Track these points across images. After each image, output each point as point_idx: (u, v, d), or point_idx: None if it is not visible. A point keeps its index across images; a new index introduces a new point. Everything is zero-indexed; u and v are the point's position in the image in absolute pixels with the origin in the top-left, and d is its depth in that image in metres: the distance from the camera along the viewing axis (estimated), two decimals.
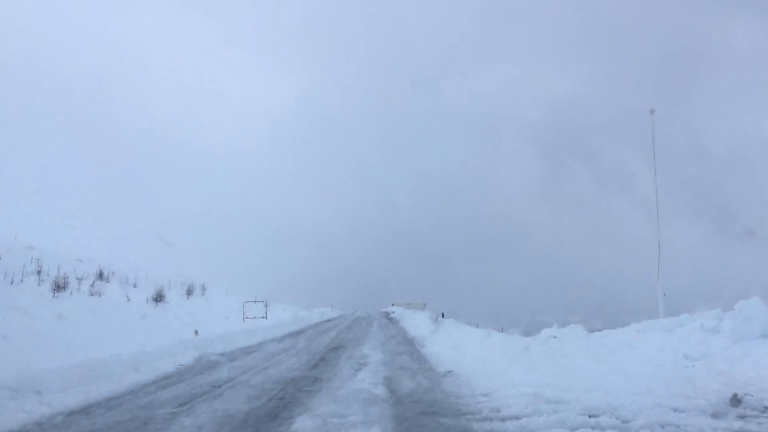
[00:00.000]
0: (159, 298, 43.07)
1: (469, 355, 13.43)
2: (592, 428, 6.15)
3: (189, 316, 29.60)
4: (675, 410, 6.74)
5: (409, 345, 18.96)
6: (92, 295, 30.55)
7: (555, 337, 15.72)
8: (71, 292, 29.07)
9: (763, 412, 7.12)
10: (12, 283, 26.52)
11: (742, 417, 6.71)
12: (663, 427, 6.14)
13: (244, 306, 39.18)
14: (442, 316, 37.35)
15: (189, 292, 54.69)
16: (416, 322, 29.17)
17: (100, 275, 38.25)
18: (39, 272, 31.14)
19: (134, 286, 40.16)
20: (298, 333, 27.37)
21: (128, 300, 33.48)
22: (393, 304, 62.99)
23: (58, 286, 28.95)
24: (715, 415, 6.69)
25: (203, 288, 58.92)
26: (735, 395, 7.24)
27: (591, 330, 15.19)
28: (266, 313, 39.13)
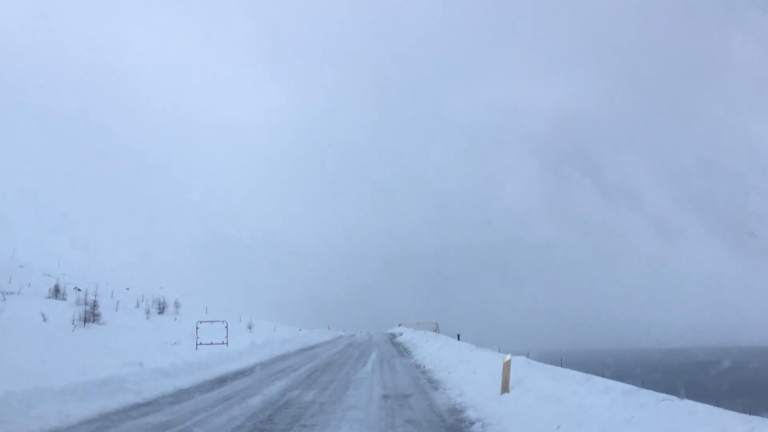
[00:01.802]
0: (93, 317, 32.58)
1: None
2: None
3: (127, 341, 24.50)
4: None
5: None
6: None
7: None
8: None
9: None
10: None
11: None
12: None
13: (197, 329, 28.14)
14: (458, 338, 31.30)
15: (161, 310, 46.84)
16: (441, 355, 17.64)
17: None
18: None
19: (63, 299, 32.51)
20: (245, 373, 16.13)
21: (44, 320, 23.68)
22: (399, 324, 55.88)
23: None
24: None
25: (177, 305, 50.66)
26: None
27: None
28: (227, 337, 28.05)
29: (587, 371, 9.44)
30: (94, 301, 36.64)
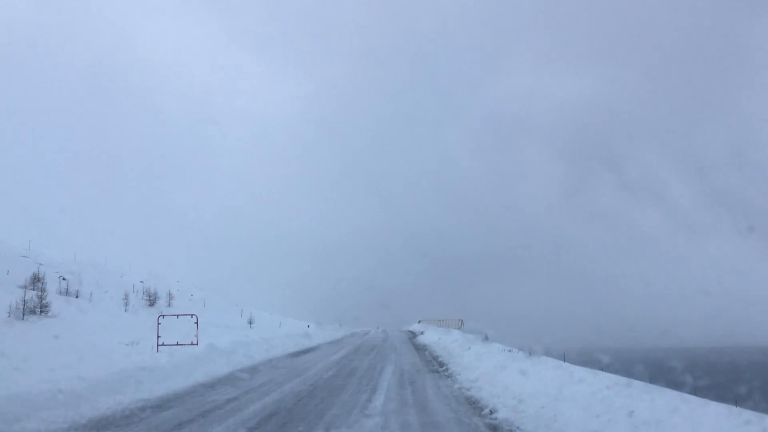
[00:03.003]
0: (40, 308, 26.62)
1: None
2: None
3: (69, 340, 21.32)
4: None
5: None
6: None
7: None
8: None
9: None
10: None
11: None
12: None
13: (158, 324, 21.24)
14: (486, 339, 27.22)
15: (151, 302, 41.83)
16: (507, 379, 9.63)
17: None
18: None
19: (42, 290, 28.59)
20: (162, 406, 8.45)
21: None
22: (419, 321, 51.88)
23: None
24: None
25: (170, 296, 45.51)
26: None
27: None
28: (197, 336, 21.92)
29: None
30: (43, 289, 29.86)
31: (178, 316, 24.56)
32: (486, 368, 11.57)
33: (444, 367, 14.62)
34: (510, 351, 17.97)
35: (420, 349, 23.61)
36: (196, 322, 22.69)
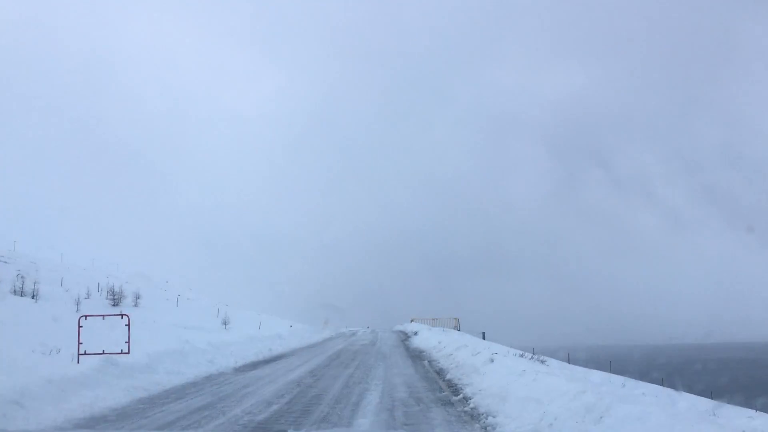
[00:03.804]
0: None
1: None
2: None
3: None
4: None
5: None
6: None
7: None
8: None
9: None
10: None
11: None
12: None
13: (79, 327, 14.98)
14: (483, 337, 27.54)
15: (115, 301, 36.17)
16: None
17: None
18: None
19: None
20: None
21: None
22: (412, 320, 48.24)
23: None
24: None
25: (137, 296, 39.85)
26: None
27: None
28: (128, 342, 15.74)
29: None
30: None
31: (104, 316, 19.13)
32: (555, 404, 6.19)
33: (459, 394, 9.23)
34: (543, 362, 12.77)
35: (416, 356, 18.24)
36: (128, 325, 17.29)
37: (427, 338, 25.96)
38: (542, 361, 12.89)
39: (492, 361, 11.06)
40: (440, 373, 12.78)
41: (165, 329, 23.36)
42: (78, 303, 33.46)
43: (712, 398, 9.16)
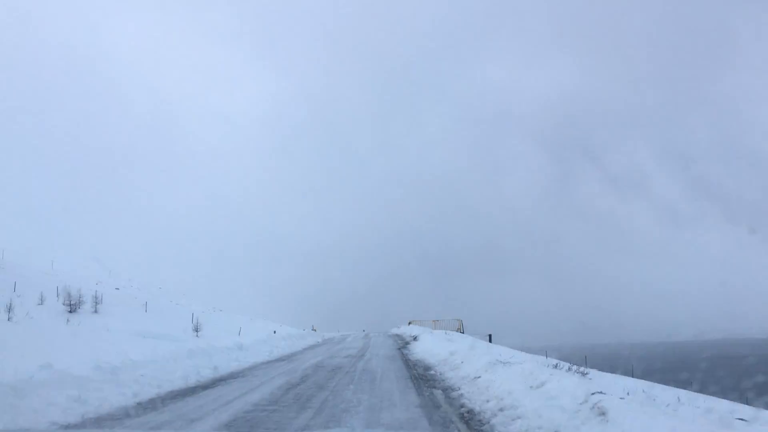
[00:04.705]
0: None
1: None
2: None
3: None
4: None
5: None
6: None
7: None
8: None
9: None
10: None
11: None
12: None
13: None
14: (489, 340, 27.21)
15: (72, 308, 30.33)
16: None
17: None
18: None
19: None
20: None
21: None
22: (410, 323, 45.86)
23: None
24: None
25: (97, 301, 33.91)
26: None
27: None
28: None
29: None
30: None
31: None
32: None
33: None
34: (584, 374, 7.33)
35: (421, 378, 12.38)
36: None
37: (431, 346, 20.26)
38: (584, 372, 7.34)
39: (592, 405, 5.37)
40: (473, 420, 7.01)
41: (124, 337, 17.99)
42: (10, 310, 27.82)
43: None
